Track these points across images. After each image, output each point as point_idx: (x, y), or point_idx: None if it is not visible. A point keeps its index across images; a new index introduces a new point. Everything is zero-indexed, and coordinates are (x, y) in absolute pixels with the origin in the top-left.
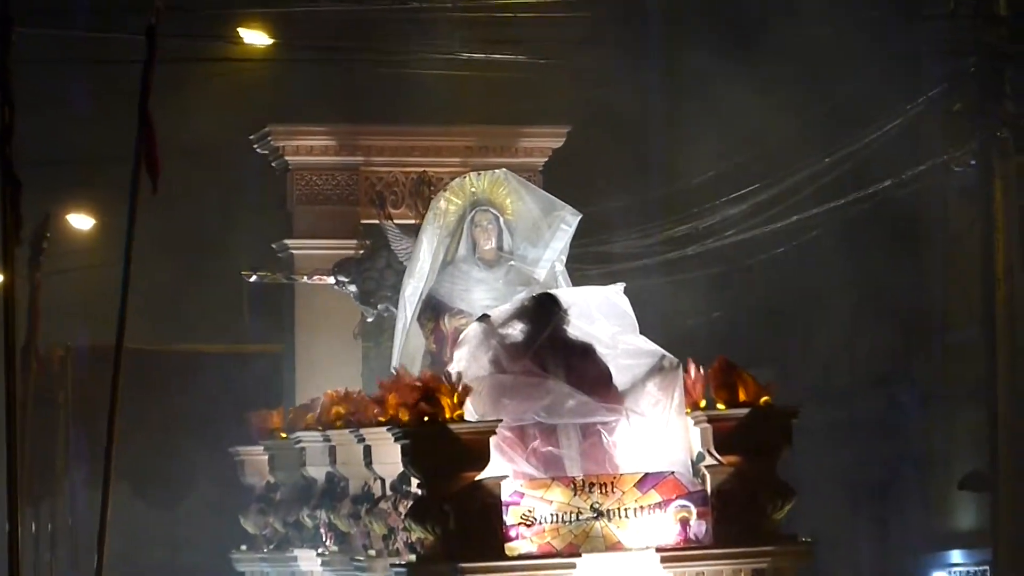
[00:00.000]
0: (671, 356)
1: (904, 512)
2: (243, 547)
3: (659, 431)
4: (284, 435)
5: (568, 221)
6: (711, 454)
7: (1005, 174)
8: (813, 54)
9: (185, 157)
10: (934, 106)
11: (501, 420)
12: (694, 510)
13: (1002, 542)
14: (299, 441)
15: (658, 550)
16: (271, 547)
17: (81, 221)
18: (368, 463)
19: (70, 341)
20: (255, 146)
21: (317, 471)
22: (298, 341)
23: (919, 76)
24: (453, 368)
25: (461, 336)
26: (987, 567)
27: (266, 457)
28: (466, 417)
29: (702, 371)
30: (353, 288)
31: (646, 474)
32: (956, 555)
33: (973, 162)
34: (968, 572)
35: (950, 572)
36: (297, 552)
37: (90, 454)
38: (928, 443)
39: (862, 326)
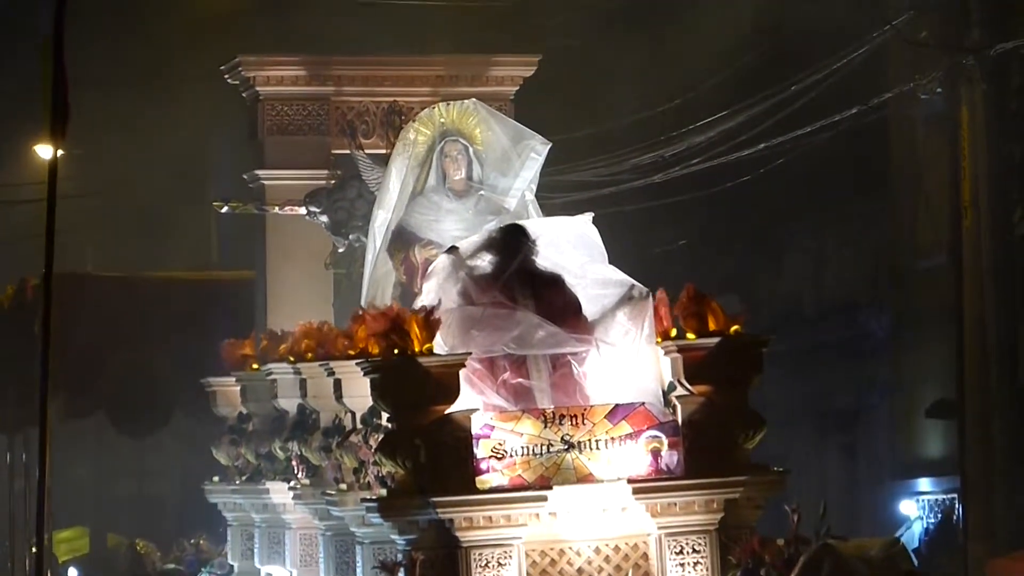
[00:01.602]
0: (641, 286)
1: (872, 440)
2: (215, 478)
3: (629, 361)
4: (256, 366)
5: (538, 150)
6: (682, 384)
7: (972, 102)
8: None
9: (155, 88)
10: (901, 34)
11: (471, 353)
12: (665, 440)
13: (969, 470)
14: (270, 373)
15: (629, 481)
16: (243, 479)
17: (45, 151)
18: (339, 396)
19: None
20: (225, 76)
21: (289, 403)
22: (269, 271)
23: (886, 4)
24: (421, 300)
25: (429, 268)
26: (955, 495)
27: (238, 388)
28: (435, 350)
29: (668, 302)
30: (324, 218)
31: (616, 405)
32: (924, 483)
33: (940, 90)
34: (936, 500)
35: (918, 500)
36: (269, 484)
37: (65, 384)
38: (896, 371)
39: (830, 254)
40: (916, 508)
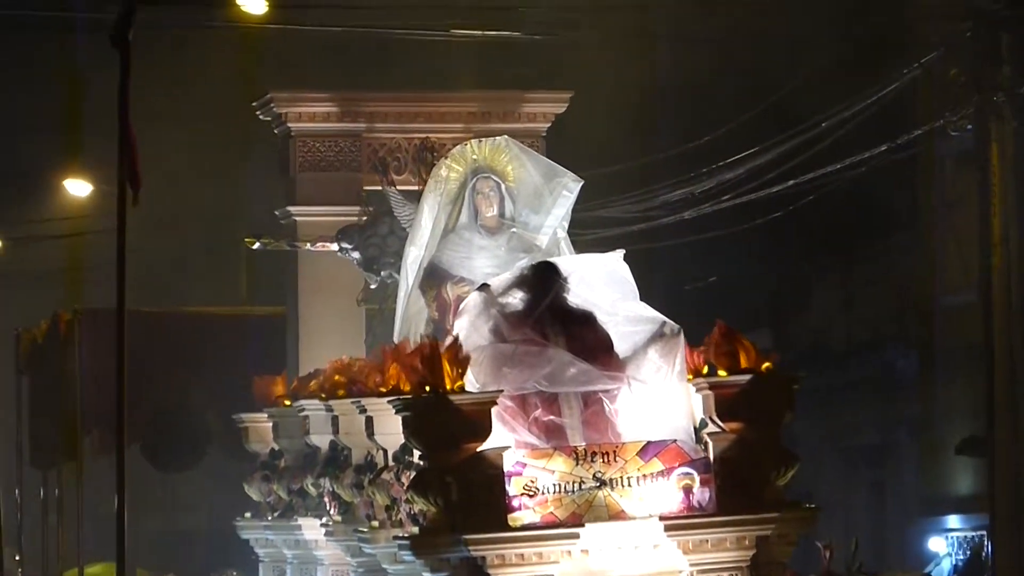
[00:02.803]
0: (672, 323)
1: (901, 477)
2: (247, 514)
3: (661, 398)
4: (288, 402)
5: (570, 188)
6: (713, 421)
7: (1001, 139)
8: (810, 18)
9: (188, 124)
10: (931, 71)
11: (502, 390)
12: (697, 478)
13: (999, 507)
14: (303, 409)
15: (661, 518)
16: (275, 515)
17: (79, 187)
18: (370, 434)
19: (78, 305)
20: (257, 113)
21: (321, 439)
22: (301, 307)
23: (916, 41)
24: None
25: (461, 306)
26: (983, 532)
27: (270, 424)
28: (467, 387)
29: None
30: (356, 255)
31: (648, 442)
32: (953, 520)
33: (970, 127)
34: (965, 537)
35: (947, 537)
36: (301, 521)
37: (98, 420)
38: (925, 408)
39: (859, 291)
40: (945, 545)
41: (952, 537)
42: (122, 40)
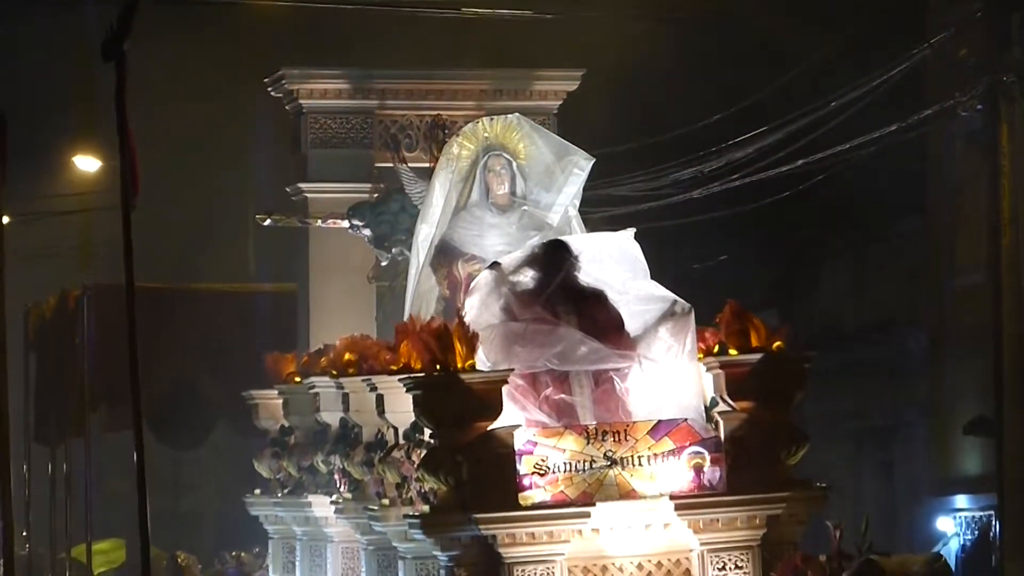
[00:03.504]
0: (683, 301)
1: (910, 457)
2: (257, 491)
3: (672, 377)
4: (298, 379)
5: (581, 166)
6: (724, 400)
7: (1011, 120)
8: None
9: (199, 100)
10: (941, 51)
11: (513, 369)
12: (708, 457)
13: (1007, 487)
14: (313, 386)
15: (672, 497)
16: (285, 492)
17: (88, 163)
18: (381, 411)
19: (86, 281)
20: (269, 89)
21: (331, 417)
22: (312, 284)
23: (926, 21)
24: (464, 316)
25: (472, 284)
26: (992, 512)
27: (280, 401)
28: (477, 366)
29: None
30: (367, 232)
31: (659, 421)
32: (961, 500)
33: (980, 107)
34: (973, 517)
35: (955, 517)
36: (311, 498)
37: (105, 397)
38: (934, 388)
39: (869, 271)
40: (953, 525)
41: (960, 517)
42: (118, 53)
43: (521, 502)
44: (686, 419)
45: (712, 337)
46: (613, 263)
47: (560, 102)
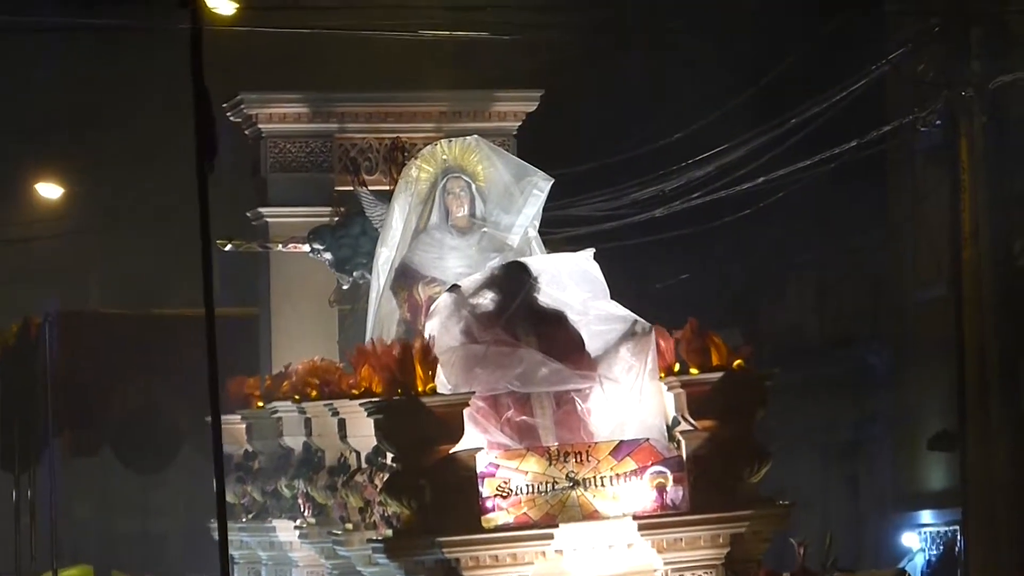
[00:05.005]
0: (643, 321)
1: (874, 472)
2: None
3: (633, 397)
4: (261, 404)
5: (540, 187)
6: (686, 419)
7: (970, 134)
8: (780, 15)
9: (158, 125)
10: (900, 66)
11: (474, 391)
12: (670, 476)
13: (971, 502)
14: (276, 411)
15: (635, 517)
16: (250, 516)
17: (49, 190)
18: (343, 436)
19: (48, 308)
20: (228, 114)
21: (294, 441)
22: (274, 308)
23: (885, 36)
24: (425, 339)
25: (432, 307)
26: (956, 527)
27: (243, 426)
28: (438, 389)
29: (672, 337)
30: (328, 255)
31: (621, 441)
32: (926, 515)
33: (939, 122)
34: (937, 532)
35: (920, 532)
36: (276, 523)
37: (70, 421)
38: (897, 403)
39: (831, 287)
40: (918, 540)
41: (925, 532)
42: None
43: (484, 525)
44: (648, 439)
45: (665, 348)
46: (573, 284)
47: (519, 123)
